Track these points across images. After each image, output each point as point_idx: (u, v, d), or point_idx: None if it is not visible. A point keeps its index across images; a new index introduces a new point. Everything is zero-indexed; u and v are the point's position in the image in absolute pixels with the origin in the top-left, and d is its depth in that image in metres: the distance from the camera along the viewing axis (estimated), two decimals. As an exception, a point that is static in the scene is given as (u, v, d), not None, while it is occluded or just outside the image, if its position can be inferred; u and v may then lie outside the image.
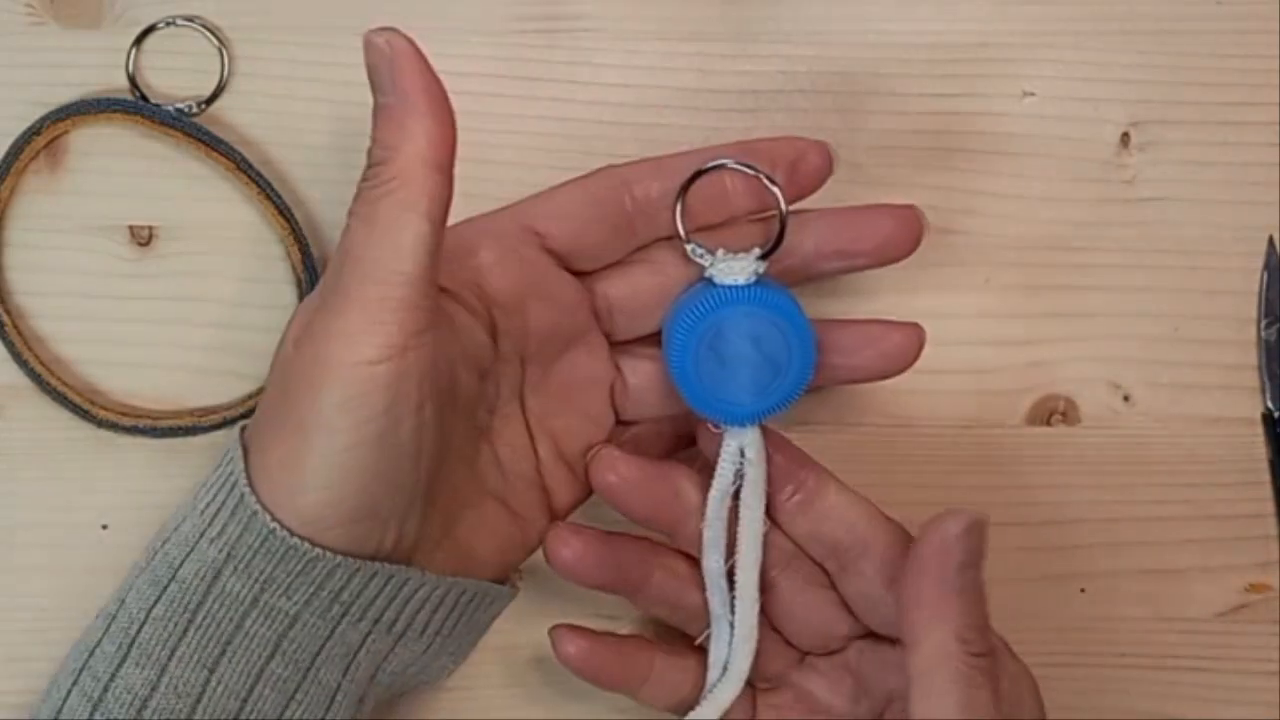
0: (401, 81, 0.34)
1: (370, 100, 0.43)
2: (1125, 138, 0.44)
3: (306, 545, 0.34)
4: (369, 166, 0.35)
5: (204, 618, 0.35)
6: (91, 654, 0.36)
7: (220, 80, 0.43)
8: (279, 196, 0.42)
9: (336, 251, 0.35)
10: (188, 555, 0.35)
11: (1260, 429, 0.44)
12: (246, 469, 0.35)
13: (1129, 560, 0.44)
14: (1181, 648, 0.44)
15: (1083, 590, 0.44)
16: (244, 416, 0.42)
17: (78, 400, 0.42)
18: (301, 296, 0.42)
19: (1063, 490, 0.44)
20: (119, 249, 0.43)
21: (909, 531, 0.38)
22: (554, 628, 0.40)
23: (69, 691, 0.36)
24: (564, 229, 0.38)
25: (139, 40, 0.42)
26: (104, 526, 0.42)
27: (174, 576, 0.35)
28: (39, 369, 0.42)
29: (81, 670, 0.36)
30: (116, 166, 0.43)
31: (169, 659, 0.35)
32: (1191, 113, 0.44)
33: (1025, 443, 0.44)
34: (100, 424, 0.42)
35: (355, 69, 0.43)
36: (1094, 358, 0.44)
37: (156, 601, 0.35)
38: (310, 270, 0.42)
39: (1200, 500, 0.44)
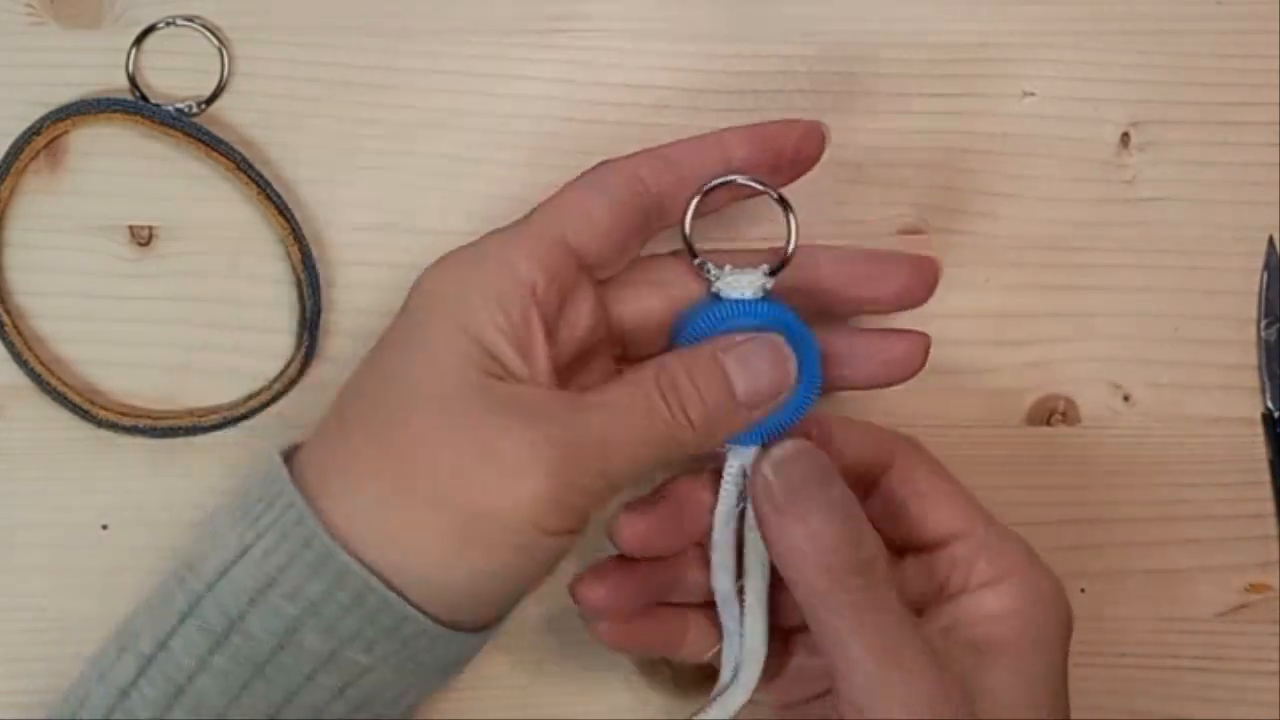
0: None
1: (369, 100, 0.43)
2: (1125, 138, 0.44)
3: (407, 607, 0.34)
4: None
5: (273, 671, 0.34)
6: (127, 694, 0.34)
7: (220, 80, 0.43)
8: (279, 196, 0.42)
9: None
10: (251, 607, 0.34)
11: (1260, 429, 0.44)
12: (318, 515, 0.34)
13: (1129, 560, 0.44)
14: (1182, 648, 0.44)
15: (1083, 590, 0.44)
16: (245, 417, 0.42)
17: (78, 400, 0.42)
18: (302, 298, 0.42)
19: (1063, 490, 0.44)
20: (119, 249, 0.43)
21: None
22: (572, 585, 0.39)
23: None
24: (596, 239, 0.36)
25: (139, 40, 0.42)
26: (104, 526, 0.42)
27: (234, 628, 0.34)
28: (39, 369, 0.42)
29: (114, 707, 0.34)
30: (116, 166, 0.43)
31: (226, 708, 0.34)
32: (1191, 113, 0.44)
33: (1025, 443, 0.44)
34: (100, 424, 0.42)
35: (355, 69, 0.43)
36: (1094, 358, 0.44)
37: (213, 652, 0.34)
38: (310, 270, 0.42)
39: (1200, 500, 0.44)
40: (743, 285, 0.37)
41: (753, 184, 0.37)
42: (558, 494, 0.33)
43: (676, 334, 0.38)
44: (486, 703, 0.43)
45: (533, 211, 0.37)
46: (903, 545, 0.38)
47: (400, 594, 0.34)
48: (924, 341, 0.40)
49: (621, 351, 0.39)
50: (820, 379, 0.38)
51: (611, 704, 0.43)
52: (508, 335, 0.35)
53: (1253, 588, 0.44)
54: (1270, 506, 0.44)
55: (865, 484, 0.38)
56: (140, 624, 0.35)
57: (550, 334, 0.36)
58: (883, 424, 0.41)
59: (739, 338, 0.36)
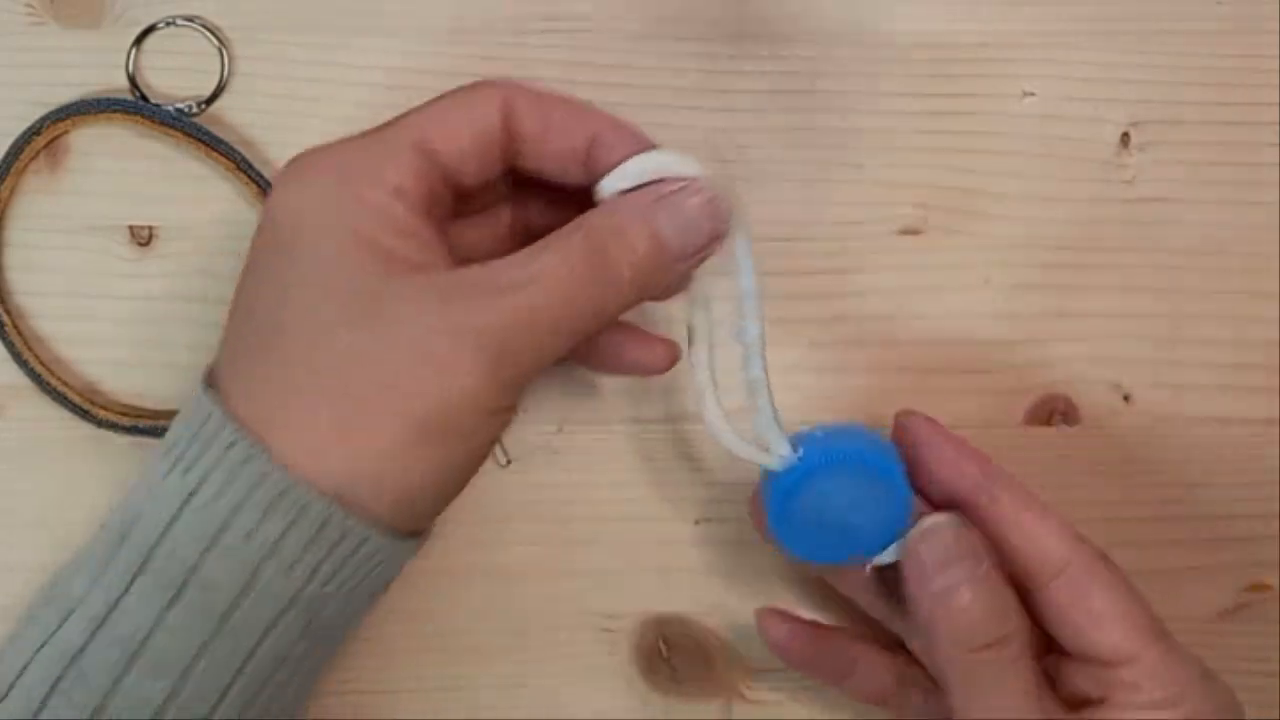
0: None
1: (368, 101, 0.43)
2: (1125, 138, 0.44)
3: (370, 530, 0.33)
4: None
5: (238, 620, 0.33)
6: (77, 659, 0.33)
7: (220, 80, 0.43)
8: None
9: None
10: (205, 556, 0.33)
11: (1261, 428, 0.44)
12: (256, 441, 0.33)
13: (1129, 560, 0.44)
14: (1181, 648, 0.44)
15: (1083, 590, 0.44)
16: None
17: (78, 400, 0.42)
18: None
19: (1063, 490, 0.44)
20: (119, 249, 0.43)
21: None
22: (758, 612, 0.41)
23: (48, 694, 0.33)
24: (457, 154, 0.35)
25: (139, 40, 0.42)
26: (104, 527, 0.42)
27: (190, 580, 0.33)
28: (39, 369, 0.42)
29: (63, 675, 0.33)
30: (116, 166, 0.43)
31: (190, 666, 0.33)
32: (1191, 113, 0.44)
33: (1025, 443, 0.44)
34: (100, 424, 0.42)
35: (355, 69, 0.43)
36: (1094, 358, 0.44)
37: (170, 607, 0.33)
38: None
39: (1200, 500, 0.44)
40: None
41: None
42: (497, 377, 0.33)
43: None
44: (486, 702, 0.43)
45: (398, 117, 0.36)
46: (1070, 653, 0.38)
47: (357, 517, 0.33)
48: (675, 352, 0.38)
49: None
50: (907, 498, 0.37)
51: (611, 704, 0.43)
52: (400, 231, 0.34)
53: (1253, 588, 0.44)
54: (1271, 506, 0.44)
55: (1031, 583, 0.37)
56: (80, 585, 0.34)
57: (436, 226, 0.35)
58: (878, 426, 0.41)
59: (670, 186, 0.35)
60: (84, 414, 0.42)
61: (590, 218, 0.35)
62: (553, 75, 0.43)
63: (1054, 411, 0.44)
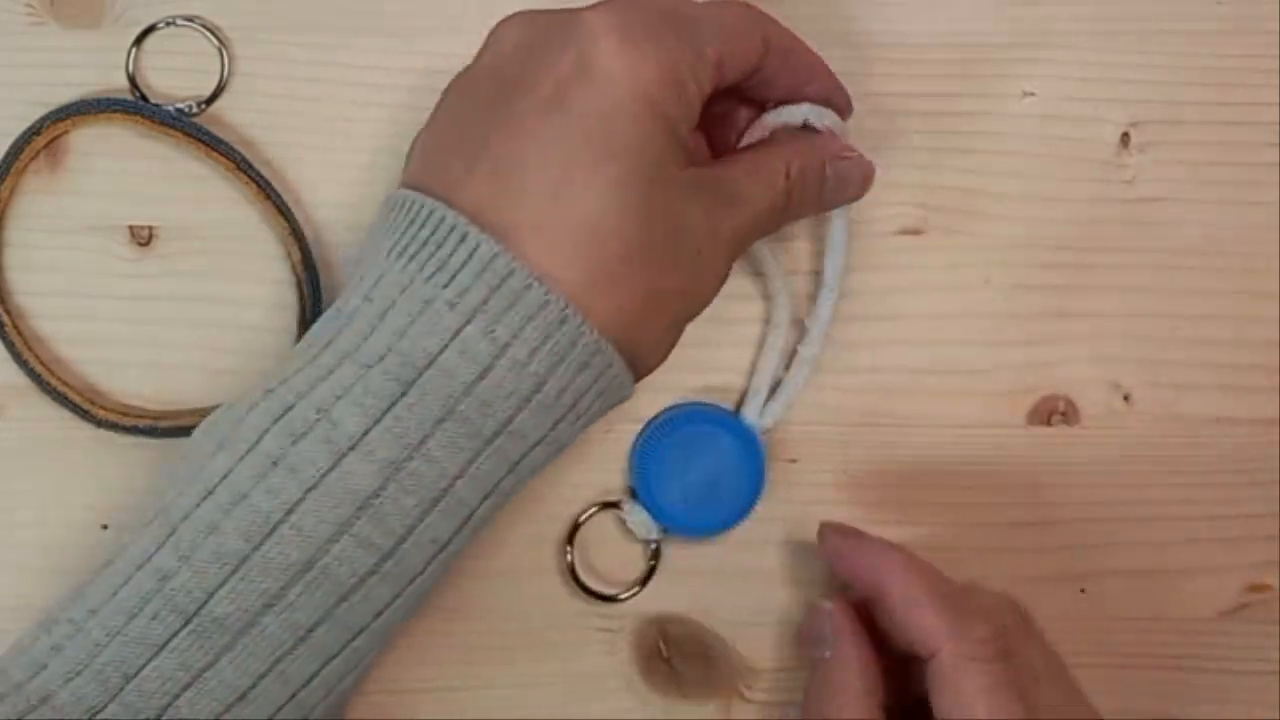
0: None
1: (368, 101, 0.43)
2: (1125, 138, 0.44)
3: (625, 372, 0.36)
4: None
5: (508, 443, 0.35)
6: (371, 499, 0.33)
7: (220, 80, 0.43)
8: (279, 196, 0.42)
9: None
10: (520, 410, 0.35)
11: (1261, 428, 0.44)
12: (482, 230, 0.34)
13: (1129, 560, 0.44)
14: (1181, 648, 0.43)
15: (1083, 590, 0.44)
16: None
17: (78, 400, 0.42)
18: (302, 298, 0.42)
19: (1063, 490, 0.44)
20: (119, 249, 0.43)
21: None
22: (823, 524, 0.41)
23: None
24: (731, 76, 0.38)
25: (139, 40, 0.42)
26: (104, 526, 0.42)
27: (503, 430, 0.35)
28: (39, 369, 0.42)
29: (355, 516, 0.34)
30: (116, 166, 0.43)
31: (480, 503, 0.35)
32: (1191, 113, 0.44)
33: (1025, 443, 0.44)
34: (100, 424, 0.42)
35: (355, 69, 0.43)
36: (1094, 358, 0.44)
37: (473, 460, 0.34)
38: (310, 270, 0.42)
39: (1200, 500, 0.44)
40: None
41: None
42: (730, 265, 0.38)
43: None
44: (486, 703, 0.43)
45: (700, 8, 0.38)
46: None
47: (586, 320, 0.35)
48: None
49: None
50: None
51: (611, 704, 0.43)
52: (690, 129, 0.37)
53: (1252, 588, 0.44)
54: (1271, 506, 0.44)
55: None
56: (378, 436, 0.34)
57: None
58: (883, 424, 0.41)
59: (840, 147, 0.41)
60: (84, 414, 0.42)
61: (797, 155, 0.39)
62: (553, 75, 0.43)
63: (1054, 411, 0.44)
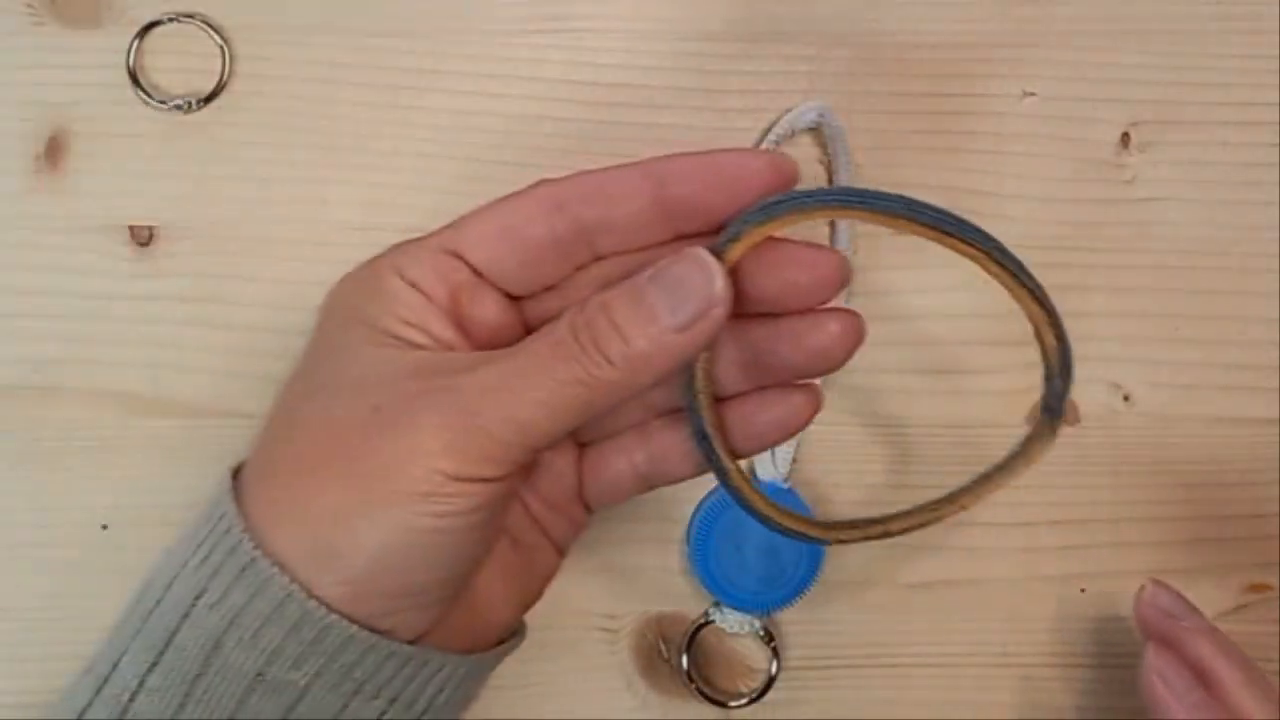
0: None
1: (369, 100, 0.43)
2: (1125, 138, 0.44)
3: (328, 615, 0.31)
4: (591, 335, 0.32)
5: (204, 691, 0.32)
6: (83, 716, 0.33)
7: (221, 78, 0.43)
8: (1036, 286, 0.34)
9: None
10: (183, 621, 0.32)
11: (1261, 428, 0.44)
12: (246, 521, 0.32)
13: (1129, 560, 0.44)
14: (1181, 648, 0.44)
15: (1083, 590, 0.44)
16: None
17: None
18: (1051, 383, 0.35)
19: (1063, 490, 0.44)
20: (119, 249, 0.43)
21: None
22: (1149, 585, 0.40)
23: None
24: (496, 261, 0.35)
25: (140, 35, 0.42)
26: (104, 526, 0.42)
27: (170, 643, 0.32)
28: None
29: None
30: (116, 166, 0.43)
31: None
32: (1191, 113, 0.44)
33: (1025, 443, 0.44)
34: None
35: (355, 69, 0.43)
36: (1094, 358, 0.44)
37: (151, 670, 0.32)
38: (1063, 353, 0.35)
39: (1200, 500, 0.44)
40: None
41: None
42: (453, 439, 0.31)
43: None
44: (485, 703, 0.43)
45: (447, 224, 0.36)
46: None
47: (321, 601, 0.32)
48: (857, 321, 0.35)
49: None
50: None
51: (612, 704, 0.43)
52: (405, 319, 0.34)
53: (1253, 588, 0.44)
54: (1270, 506, 0.44)
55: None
56: (102, 647, 0.34)
57: (459, 323, 0.35)
58: (883, 424, 0.41)
59: (667, 260, 0.33)
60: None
61: (592, 297, 0.33)
62: (553, 75, 0.43)
63: (1054, 411, 0.44)
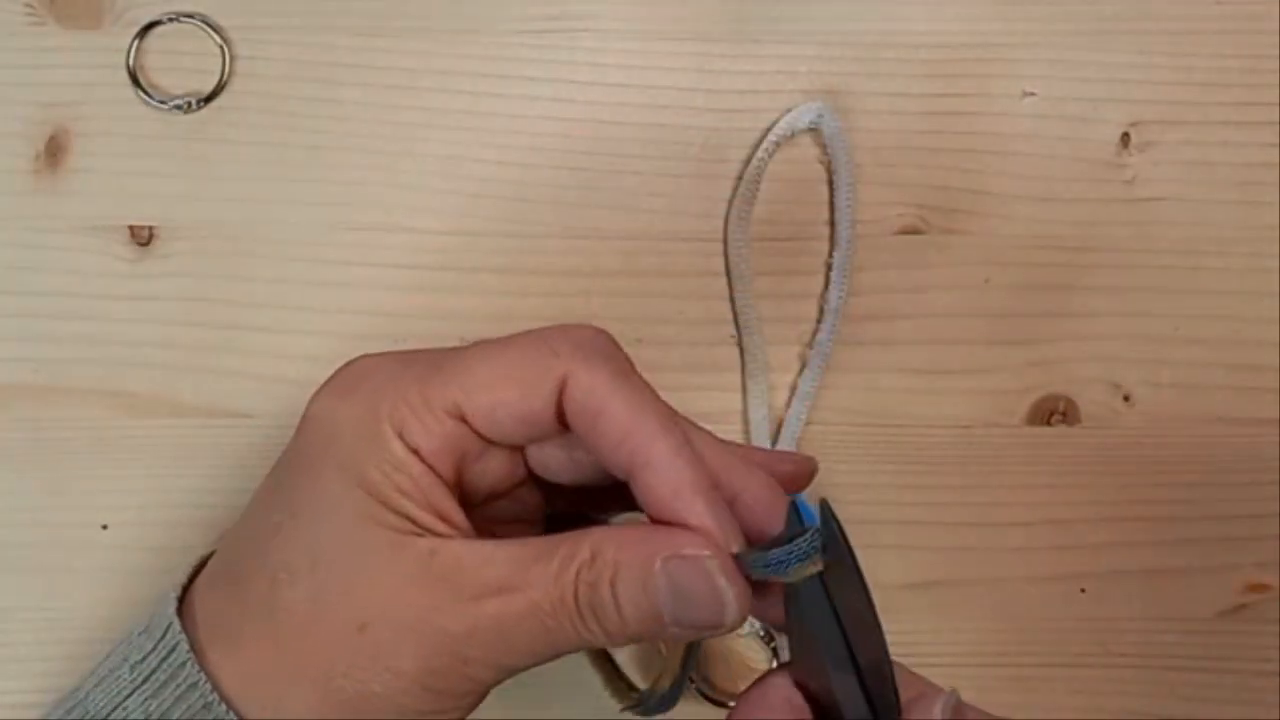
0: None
1: (369, 100, 0.43)
2: (1125, 138, 0.44)
3: None
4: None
5: None
6: None
7: (221, 78, 0.43)
8: None
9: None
10: None
11: (1261, 428, 0.44)
12: (218, 689, 0.31)
13: (1129, 560, 0.44)
14: (1181, 648, 0.43)
15: (1083, 590, 0.44)
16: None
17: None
18: None
19: (1063, 490, 0.44)
20: (119, 249, 0.43)
21: None
22: None
23: None
24: (495, 428, 0.32)
25: (140, 35, 0.42)
26: (104, 526, 0.42)
27: None
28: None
29: None
30: (116, 166, 0.43)
31: None
32: (1191, 113, 0.44)
33: (1025, 443, 0.44)
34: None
35: (356, 69, 0.43)
36: (1094, 358, 0.44)
37: None
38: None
39: (1200, 500, 0.44)
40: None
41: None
42: (435, 681, 0.31)
43: None
44: (485, 703, 0.42)
45: (453, 357, 0.33)
46: None
47: None
48: (811, 464, 0.35)
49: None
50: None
51: (612, 704, 0.43)
52: (407, 491, 0.32)
53: (1253, 588, 0.44)
54: (1270, 506, 0.44)
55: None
56: None
57: (458, 484, 0.33)
58: (883, 424, 0.41)
59: (684, 545, 0.31)
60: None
61: (595, 544, 0.31)
62: (553, 75, 0.43)
63: (1054, 411, 0.44)
